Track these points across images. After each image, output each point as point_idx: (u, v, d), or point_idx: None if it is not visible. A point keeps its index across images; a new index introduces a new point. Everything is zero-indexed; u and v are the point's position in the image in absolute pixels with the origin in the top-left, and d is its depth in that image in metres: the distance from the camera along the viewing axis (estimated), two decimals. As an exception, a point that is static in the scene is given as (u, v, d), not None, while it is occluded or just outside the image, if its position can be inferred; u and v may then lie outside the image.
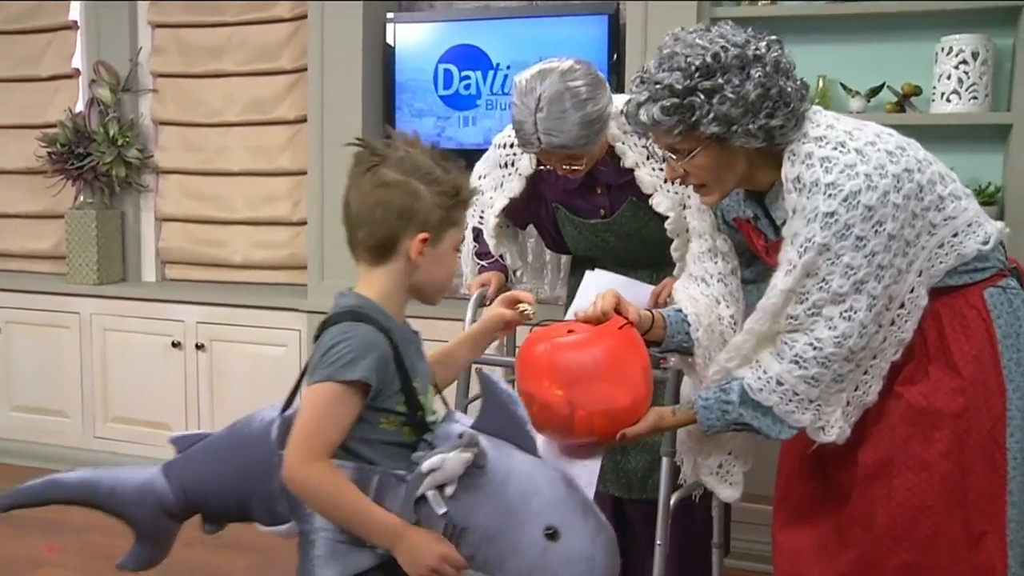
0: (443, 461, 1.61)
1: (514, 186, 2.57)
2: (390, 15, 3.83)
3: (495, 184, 2.65)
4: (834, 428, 1.88)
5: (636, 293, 2.35)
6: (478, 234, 2.70)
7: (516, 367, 1.99)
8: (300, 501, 1.67)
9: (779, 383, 1.86)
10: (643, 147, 2.40)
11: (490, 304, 2.62)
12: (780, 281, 1.84)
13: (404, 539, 1.62)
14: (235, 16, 4.24)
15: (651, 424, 1.94)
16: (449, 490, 1.63)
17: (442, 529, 1.65)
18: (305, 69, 3.96)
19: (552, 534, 1.65)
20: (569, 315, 2.19)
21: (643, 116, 1.84)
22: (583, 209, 2.54)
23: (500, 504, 1.65)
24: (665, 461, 2.31)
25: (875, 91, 3.27)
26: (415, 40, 3.80)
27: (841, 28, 3.38)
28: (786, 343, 1.86)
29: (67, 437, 4.42)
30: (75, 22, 4.53)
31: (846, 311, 1.79)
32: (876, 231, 1.75)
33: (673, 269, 2.50)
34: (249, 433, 1.87)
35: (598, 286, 2.26)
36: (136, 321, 4.24)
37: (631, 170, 2.42)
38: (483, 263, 2.69)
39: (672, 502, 2.31)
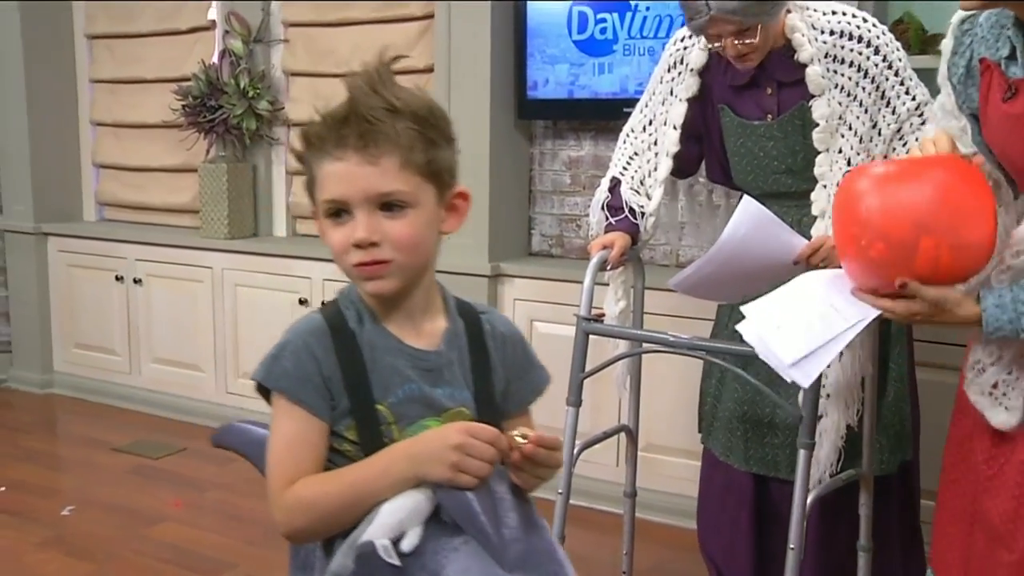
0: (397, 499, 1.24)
1: (689, 85, 2.38)
2: (521, -46, 3.58)
3: (664, 97, 2.44)
4: None
5: (779, 238, 2.16)
6: (615, 184, 2.46)
7: (836, 208, 1.73)
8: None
9: None
10: (823, 43, 2.21)
11: (610, 269, 2.38)
12: None
13: (415, 458, 1.24)
14: (365, -39, 4.08)
15: (934, 299, 1.58)
16: (409, 541, 1.22)
17: None
18: (433, 15, 3.77)
19: None
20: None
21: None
22: (749, 111, 2.33)
23: None
24: (802, 454, 2.04)
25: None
26: (548, -19, 3.54)
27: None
28: None
29: (201, 391, 4.44)
30: (212, -28, 4.49)
31: None
32: None
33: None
34: None
35: (751, 217, 2.11)
36: (265, 277, 4.20)
37: (804, 67, 2.21)
38: (611, 220, 2.43)
39: (809, 500, 2.05)
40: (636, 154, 2.48)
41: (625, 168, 2.47)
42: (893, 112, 2.24)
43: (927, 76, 2.88)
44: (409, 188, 1.27)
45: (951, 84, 1.73)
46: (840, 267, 1.79)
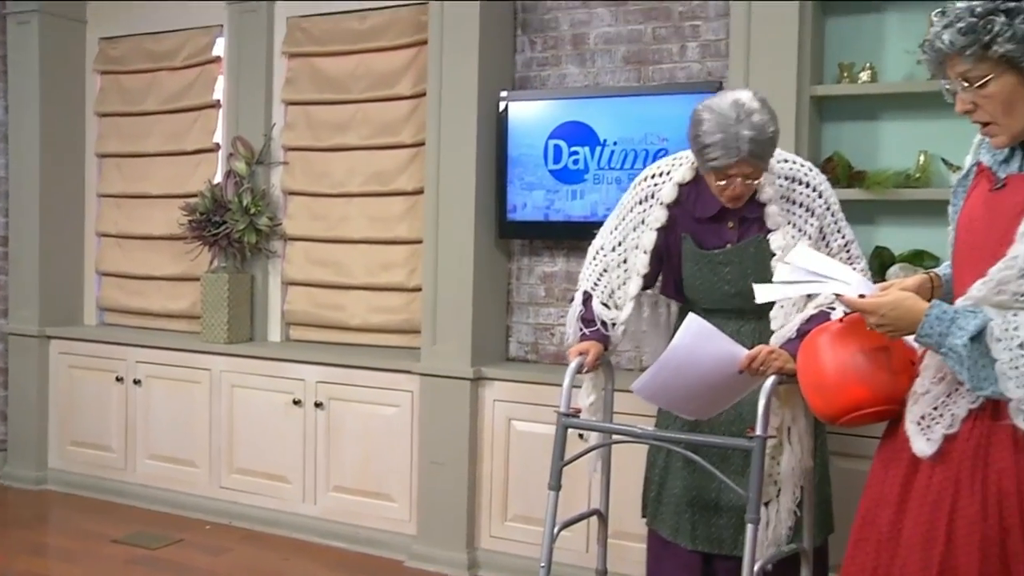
0: None
1: (659, 216, 2.73)
2: (503, 93, 4.04)
3: (635, 224, 2.79)
4: None
5: (722, 348, 2.49)
6: (587, 298, 2.82)
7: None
8: None
9: (1020, 347, 1.80)
10: (779, 186, 2.61)
11: (586, 372, 2.76)
12: None
13: None
14: (360, 94, 4.53)
15: (890, 302, 1.97)
16: None
17: None
18: (423, 144, 4.19)
19: None
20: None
21: (939, 42, 1.89)
22: (710, 241, 2.69)
23: None
24: (750, 528, 2.38)
25: (977, 167, 3.28)
26: (527, 117, 4.00)
27: (941, 104, 3.39)
28: None
29: (195, 486, 4.69)
30: (218, 101, 4.92)
31: None
32: None
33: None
34: None
35: (695, 331, 2.45)
36: (261, 379, 4.51)
37: (764, 205, 2.60)
38: (586, 330, 2.80)
39: (756, 569, 2.38)
40: (605, 271, 2.84)
41: (596, 284, 2.85)
42: (827, 246, 2.65)
43: (855, 207, 3.36)
44: None
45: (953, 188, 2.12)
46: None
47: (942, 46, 1.89)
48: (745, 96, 2.51)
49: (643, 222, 2.78)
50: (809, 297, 2.55)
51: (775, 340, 2.56)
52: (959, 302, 1.93)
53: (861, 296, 2.04)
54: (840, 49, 3.55)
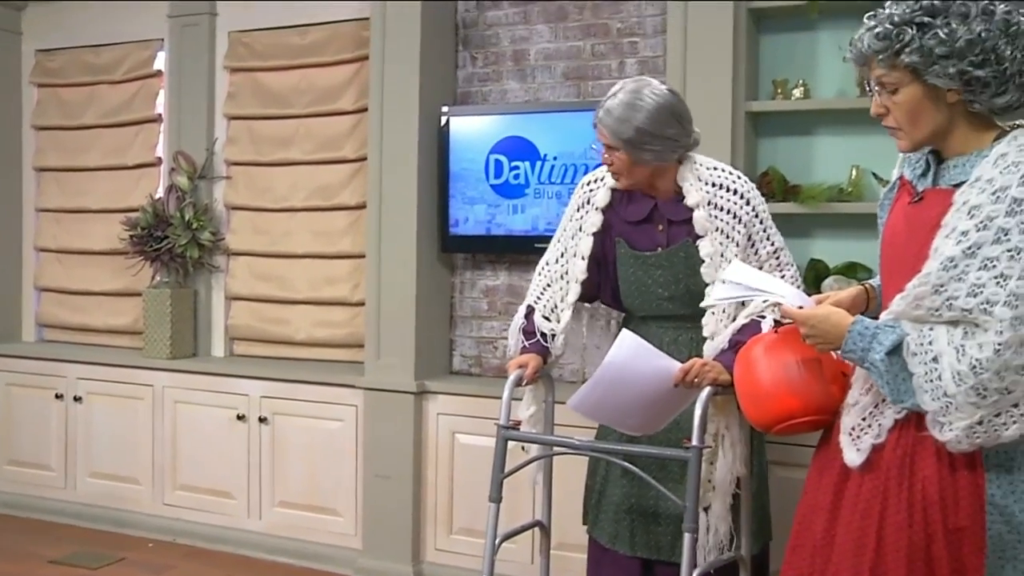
0: None
1: (594, 220, 2.80)
2: (445, 108, 4.07)
3: (573, 232, 2.86)
4: (952, 432, 1.85)
5: (656, 364, 2.53)
6: (530, 312, 2.86)
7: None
8: None
9: (934, 360, 1.86)
10: (706, 192, 2.67)
11: (526, 384, 2.79)
12: (946, 247, 1.86)
13: None
14: (303, 109, 4.53)
15: (820, 314, 2.04)
16: None
17: None
18: (366, 158, 4.21)
19: None
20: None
21: (860, 43, 1.97)
22: (642, 243, 2.76)
23: None
24: (687, 537, 2.43)
25: (906, 181, 3.38)
26: (468, 132, 4.03)
27: (872, 120, 3.49)
28: (966, 331, 1.84)
29: (139, 503, 4.65)
30: (160, 115, 4.89)
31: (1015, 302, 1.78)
32: None
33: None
34: None
35: (628, 347, 2.50)
36: (204, 395, 4.48)
37: (691, 210, 2.67)
38: (526, 343, 2.84)
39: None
40: (549, 284, 2.89)
41: (539, 298, 2.89)
42: (756, 253, 2.71)
43: (791, 220, 3.44)
44: None
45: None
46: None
47: (861, 47, 1.98)
48: (646, 82, 2.67)
49: (580, 228, 2.84)
50: (742, 305, 2.61)
51: (708, 351, 2.61)
52: (883, 316, 1.99)
53: (800, 308, 2.10)
54: (774, 66, 3.63)
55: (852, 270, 3.45)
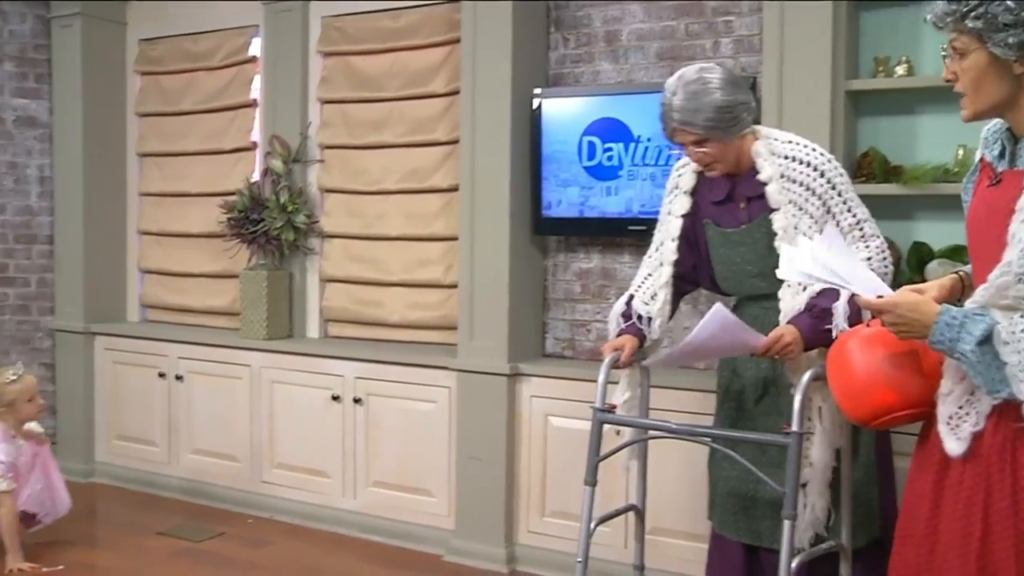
0: None
1: (682, 203, 2.84)
2: (537, 90, 4.06)
3: (664, 217, 2.90)
4: None
5: (742, 337, 2.56)
6: (630, 299, 2.88)
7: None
8: None
9: None
10: (779, 165, 2.67)
11: (622, 367, 2.79)
12: (1022, 233, 1.85)
13: None
14: (395, 92, 4.57)
15: (908, 302, 1.98)
16: None
17: None
18: (458, 141, 4.23)
19: None
20: None
21: (933, 7, 1.97)
22: (726, 222, 2.77)
23: None
24: (786, 524, 2.40)
25: (1016, 160, 3.26)
26: (561, 113, 4.01)
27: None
28: None
29: (237, 480, 4.78)
30: (255, 100, 4.98)
31: None
32: None
33: None
34: None
35: (715, 323, 2.51)
36: (300, 375, 4.57)
37: (766, 184, 2.67)
38: (623, 326, 2.85)
39: (793, 566, 2.40)
40: (650, 273, 2.91)
41: (640, 286, 2.91)
42: (837, 225, 2.68)
43: (892, 202, 3.35)
44: None
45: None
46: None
47: (934, 9, 1.98)
48: (693, 67, 2.68)
49: (670, 212, 2.88)
50: None
51: (784, 315, 2.62)
52: (967, 304, 1.95)
53: (879, 296, 2.05)
54: (875, 43, 3.53)
55: (957, 253, 3.34)
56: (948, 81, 2.02)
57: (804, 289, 2.60)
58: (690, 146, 2.67)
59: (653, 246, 2.94)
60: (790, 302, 2.62)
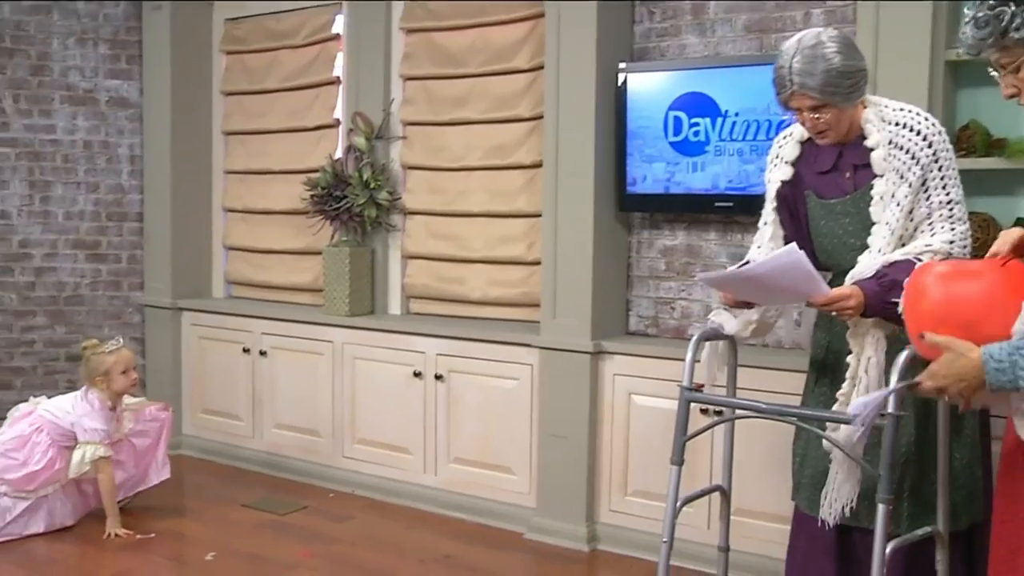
0: None
1: (784, 171, 2.80)
2: (622, 65, 3.99)
3: (767, 182, 2.87)
4: None
5: (806, 282, 2.50)
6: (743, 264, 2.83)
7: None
8: None
9: None
10: (888, 131, 2.61)
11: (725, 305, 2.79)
12: None
13: None
14: (478, 68, 4.54)
15: (942, 363, 1.98)
16: None
17: None
18: (541, 117, 4.18)
19: None
20: None
21: (963, 37, 2.00)
22: (829, 192, 2.71)
23: None
24: (881, 508, 2.32)
25: None
26: (646, 88, 3.94)
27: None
28: None
29: (319, 455, 4.83)
30: (338, 78, 5.00)
31: None
32: None
33: None
34: None
35: (788, 262, 2.47)
36: (382, 351, 4.59)
37: (872, 150, 2.62)
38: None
39: (888, 550, 2.32)
40: (759, 247, 2.87)
41: (748, 261, 2.85)
42: (928, 199, 2.59)
43: (994, 176, 3.22)
44: None
45: None
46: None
47: (967, 40, 1.99)
48: (811, 32, 2.61)
49: (769, 180, 2.83)
50: (900, 244, 2.59)
51: (851, 276, 2.57)
52: (1014, 336, 1.92)
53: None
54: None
55: (1063, 230, 3.20)
56: (1011, 97, 2.02)
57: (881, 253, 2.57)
58: (805, 112, 2.59)
59: (761, 219, 2.88)
60: (863, 265, 2.57)
